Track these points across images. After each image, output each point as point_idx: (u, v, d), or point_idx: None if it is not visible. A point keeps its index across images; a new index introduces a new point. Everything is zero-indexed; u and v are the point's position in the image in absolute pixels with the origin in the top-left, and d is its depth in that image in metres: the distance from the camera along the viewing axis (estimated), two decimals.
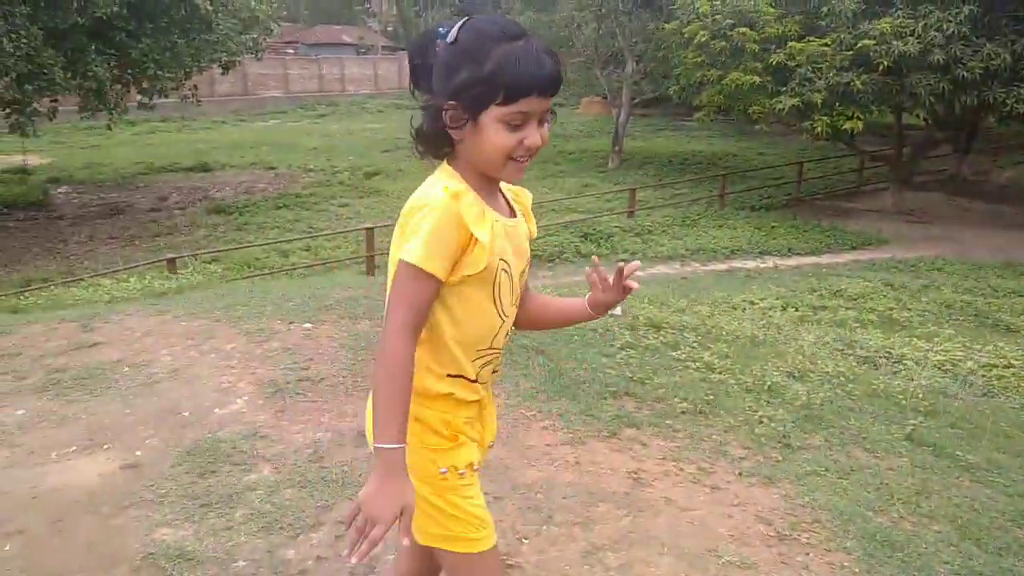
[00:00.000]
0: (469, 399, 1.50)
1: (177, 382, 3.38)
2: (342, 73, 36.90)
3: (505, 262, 1.44)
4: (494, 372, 1.55)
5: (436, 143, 1.40)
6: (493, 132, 1.32)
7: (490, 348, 1.49)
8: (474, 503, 1.52)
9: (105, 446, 2.85)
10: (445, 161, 1.43)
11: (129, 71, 16.69)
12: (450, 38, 1.33)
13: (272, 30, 20.68)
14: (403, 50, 45.35)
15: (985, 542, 3.15)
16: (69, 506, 2.49)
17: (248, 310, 4.30)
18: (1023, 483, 4.09)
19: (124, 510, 2.49)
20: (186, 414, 3.10)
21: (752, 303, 11.14)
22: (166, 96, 18.91)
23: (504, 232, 1.43)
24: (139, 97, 18.15)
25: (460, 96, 1.31)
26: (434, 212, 1.31)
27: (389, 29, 52.99)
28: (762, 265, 14.15)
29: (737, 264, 14.26)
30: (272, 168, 22.88)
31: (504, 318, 1.49)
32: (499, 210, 1.46)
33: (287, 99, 34.59)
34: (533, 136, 1.34)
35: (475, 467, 1.53)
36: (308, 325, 4.05)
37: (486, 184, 1.43)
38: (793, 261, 14.37)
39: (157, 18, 15.54)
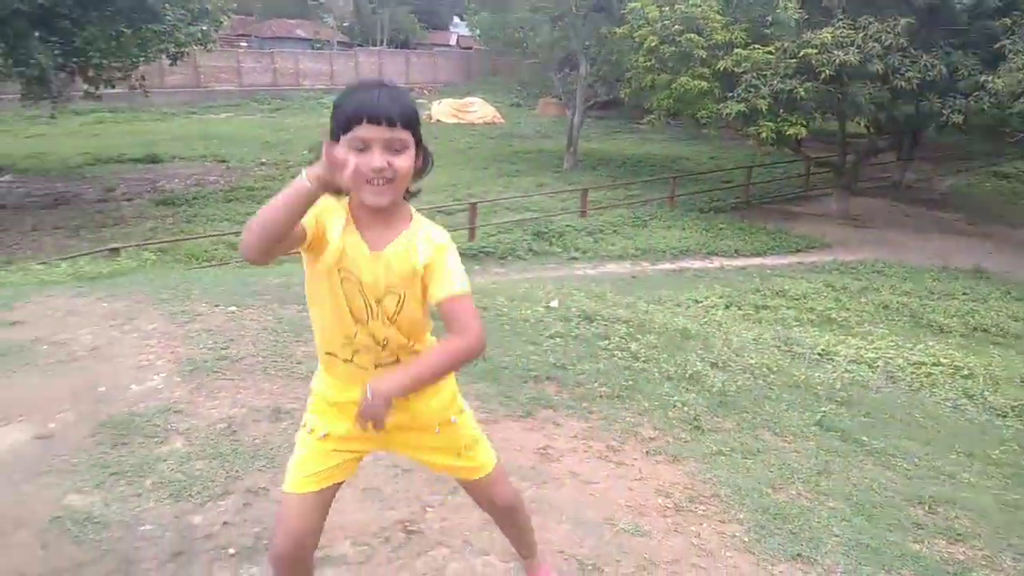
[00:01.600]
0: (340, 378, 1.78)
1: (96, 360, 3.40)
2: (296, 67, 36.50)
3: (349, 273, 1.67)
4: (380, 364, 1.76)
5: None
6: (343, 157, 1.55)
7: (354, 339, 1.74)
8: (297, 457, 1.82)
9: (19, 418, 2.87)
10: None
11: (73, 59, 16.35)
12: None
13: (222, 22, 20.41)
14: (360, 46, 45.09)
15: (877, 518, 3.33)
16: None
17: (174, 293, 4.32)
18: (925, 467, 4.31)
19: (34, 478, 2.52)
20: (103, 389, 3.13)
21: (697, 301, 11.40)
22: (113, 86, 18.55)
23: (358, 252, 1.67)
24: (85, 86, 17.78)
25: (331, 137, 1.60)
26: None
27: (345, 25, 52.54)
28: (709, 265, 14.46)
29: (685, 264, 14.54)
30: (223, 161, 22.58)
31: (358, 322, 1.72)
32: (372, 237, 1.68)
33: (239, 92, 34.09)
34: (375, 160, 1.57)
35: (323, 435, 1.80)
36: (233, 308, 4.08)
37: (372, 215, 1.67)
38: (739, 262, 14.70)
39: (102, 6, 15.23)
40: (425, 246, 1.70)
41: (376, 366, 1.76)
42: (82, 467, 2.60)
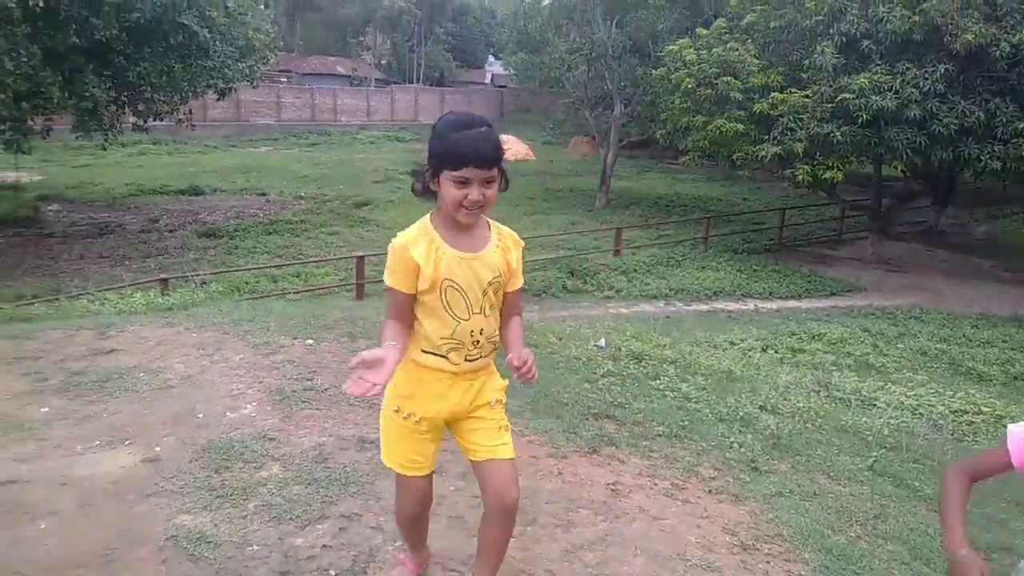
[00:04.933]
0: (439, 368, 2.07)
1: (191, 387, 3.61)
2: (335, 103, 37.41)
3: (452, 282, 2.01)
4: (468, 360, 2.09)
5: (426, 194, 2.04)
6: (446, 188, 1.94)
7: (452, 338, 2.05)
8: (404, 444, 2.14)
9: (126, 442, 3.08)
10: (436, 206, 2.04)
11: (125, 93, 16.97)
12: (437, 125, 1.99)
13: (268, 59, 21.07)
14: (396, 83, 46.06)
15: (935, 563, 3.41)
16: (96, 492, 2.70)
17: (253, 325, 4.55)
18: (977, 514, 4.37)
19: (147, 498, 2.70)
20: (200, 416, 3.33)
21: (733, 343, 11.45)
22: (161, 119, 19.17)
23: (456, 261, 2.00)
24: (133, 119, 18.39)
25: (431, 162, 1.96)
26: (393, 252, 2.00)
27: (383, 62, 53.76)
28: (743, 307, 14.50)
29: (719, 305, 14.59)
30: (263, 194, 23.10)
31: (459, 321, 2.04)
32: (464, 245, 2.03)
33: (279, 127, 34.97)
34: (474, 194, 1.93)
35: (417, 419, 2.11)
36: (310, 341, 4.29)
37: (460, 228, 2.02)
38: (774, 304, 14.73)
39: (155, 43, 15.84)
40: (515, 247, 2.14)
41: (466, 360, 2.08)
42: (189, 489, 2.78)
